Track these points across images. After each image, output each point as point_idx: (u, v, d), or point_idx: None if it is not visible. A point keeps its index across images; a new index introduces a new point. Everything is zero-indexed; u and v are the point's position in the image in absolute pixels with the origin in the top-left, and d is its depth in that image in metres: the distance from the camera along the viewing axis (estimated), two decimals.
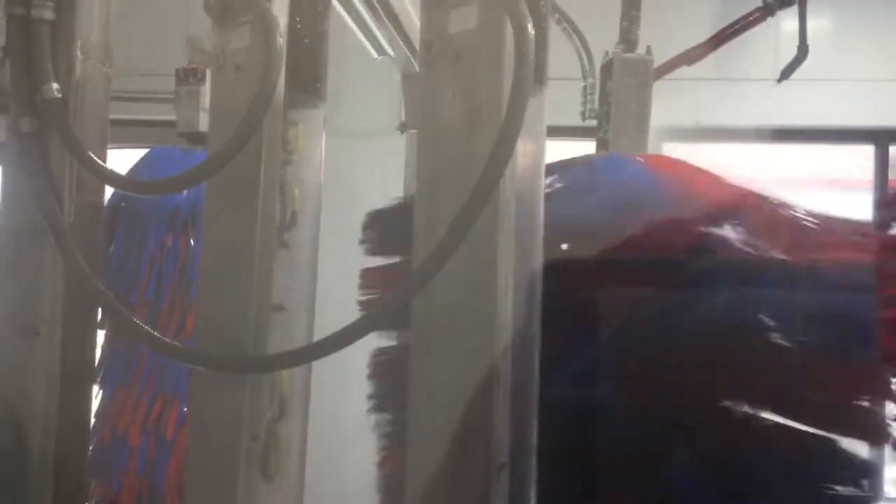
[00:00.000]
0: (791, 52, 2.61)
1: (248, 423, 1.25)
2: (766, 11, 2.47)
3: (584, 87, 2.52)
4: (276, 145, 1.28)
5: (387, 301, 1.16)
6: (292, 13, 1.31)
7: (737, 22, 2.50)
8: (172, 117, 2.91)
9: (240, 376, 1.24)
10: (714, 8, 2.88)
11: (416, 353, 1.29)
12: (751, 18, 2.50)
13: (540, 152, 1.25)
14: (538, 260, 1.27)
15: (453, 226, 1.10)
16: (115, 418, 2.94)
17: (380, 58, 2.93)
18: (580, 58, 2.51)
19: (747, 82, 3.15)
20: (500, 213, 1.17)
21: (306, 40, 1.32)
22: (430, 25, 1.27)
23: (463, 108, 1.21)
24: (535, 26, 1.16)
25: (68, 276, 1.38)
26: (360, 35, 2.78)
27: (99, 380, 2.91)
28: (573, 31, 2.48)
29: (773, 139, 3.85)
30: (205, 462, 1.30)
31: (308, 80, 1.35)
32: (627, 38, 2.24)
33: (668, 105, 3.74)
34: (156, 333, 1.24)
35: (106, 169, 1.34)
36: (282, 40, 1.23)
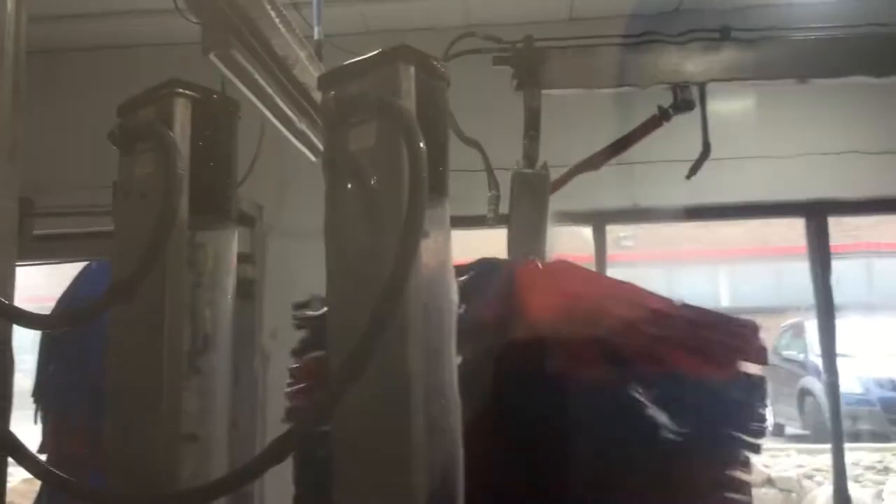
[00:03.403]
0: (719, 132, 2.71)
1: None
2: (661, 117, 2.63)
3: (489, 198, 2.64)
4: (181, 268, 1.27)
5: (295, 427, 1.12)
6: (195, 137, 1.31)
7: (637, 130, 2.68)
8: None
9: None
10: (616, 114, 3.08)
11: (336, 476, 1.25)
12: (649, 124, 2.66)
13: (444, 262, 1.25)
14: (452, 369, 1.25)
15: (357, 347, 1.07)
16: None
17: (317, 160, 2.96)
18: (487, 172, 2.67)
19: (680, 163, 3.24)
20: (407, 327, 1.16)
21: (211, 163, 1.33)
22: (332, 143, 1.29)
23: (366, 225, 1.21)
24: (431, 142, 1.17)
25: None
26: (296, 141, 2.82)
27: None
28: (477, 149, 2.65)
29: (709, 217, 3.94)
30: None
31: (215, 201, 1.35)
32: (528, 155, 2.45)
33: (609, 190, 3.83)
34: (58, 472, 1.18)
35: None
36: (182, 165, 1.23)
